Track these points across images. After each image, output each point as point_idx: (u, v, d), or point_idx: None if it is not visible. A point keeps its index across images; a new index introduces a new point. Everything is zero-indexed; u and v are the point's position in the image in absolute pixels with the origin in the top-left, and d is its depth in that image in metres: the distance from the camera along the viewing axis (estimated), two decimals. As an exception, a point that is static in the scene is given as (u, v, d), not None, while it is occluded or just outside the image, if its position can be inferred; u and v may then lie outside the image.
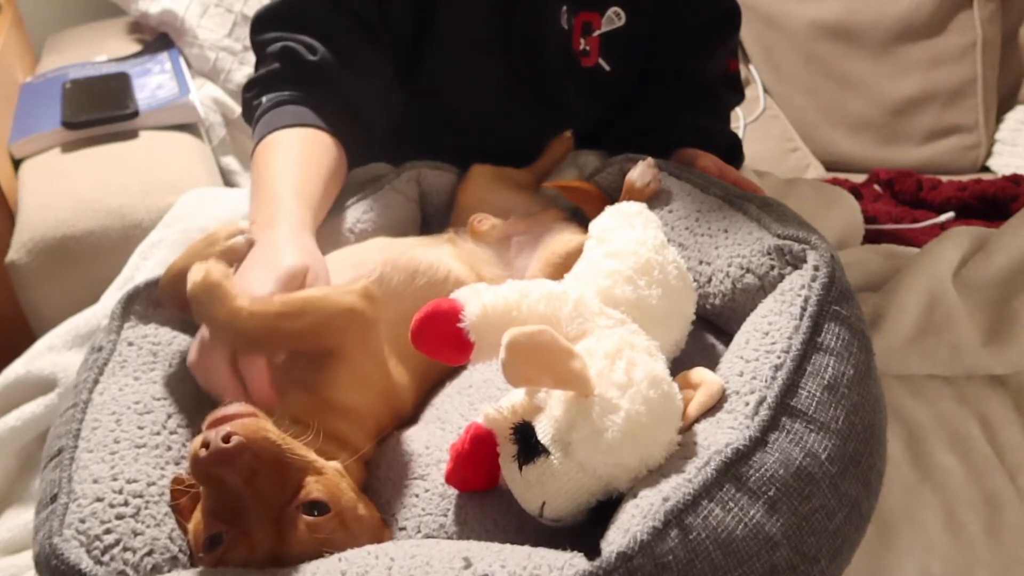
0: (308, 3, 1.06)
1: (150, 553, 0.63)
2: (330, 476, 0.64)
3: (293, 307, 0.72)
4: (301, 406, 0.72)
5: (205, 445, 0.58)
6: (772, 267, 0.78)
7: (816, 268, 0.74)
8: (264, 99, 1.02)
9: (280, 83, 1.03)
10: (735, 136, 1.26)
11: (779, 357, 0.67)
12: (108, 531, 0.63)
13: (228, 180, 1.63)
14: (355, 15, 1.05)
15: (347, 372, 0.74)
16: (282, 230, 0.84)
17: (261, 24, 1.08)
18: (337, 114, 1.01)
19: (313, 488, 0.61)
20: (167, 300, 0.81)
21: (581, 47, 1.13)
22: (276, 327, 0.71)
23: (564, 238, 0.93)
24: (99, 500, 0.65)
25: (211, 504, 0.61)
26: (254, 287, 0.75)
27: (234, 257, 0.79)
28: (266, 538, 0.60)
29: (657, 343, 0.71)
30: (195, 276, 0.71)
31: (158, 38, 1.81)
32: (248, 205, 0.93)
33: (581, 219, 0.99)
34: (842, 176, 1.77)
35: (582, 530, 0.64)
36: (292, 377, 0.73)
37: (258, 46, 1.08)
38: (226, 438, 0.58)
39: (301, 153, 0.96)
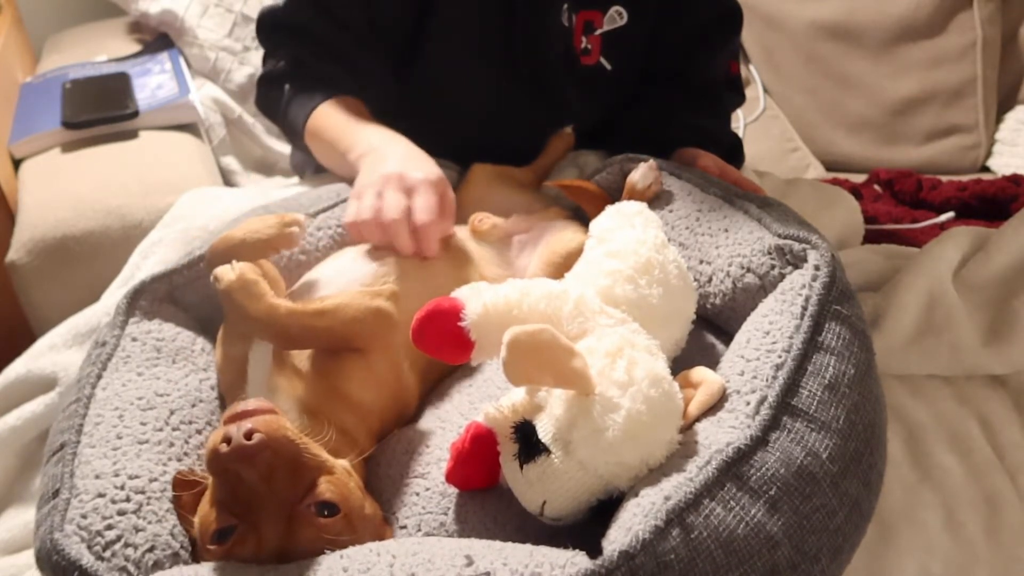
0: (306, 13, 1.10)
1: (152, 549, 0.63)
2: (340, 476, 0.64)
3: (327, 307, 0.74)
4: (313, 392, 0.73)
5: (226, 440, 0.58)
6: (773, 267, 0.78)
7: (817, 268, 0.74)
8: (287, 86, 1.10)
9: (294, 78, 1.10)
10: (736, 136, 1.26)
11: (780, 356, 0.67)
12: (110, 527, 0.63)
13: (228, 180, 1.63)
14: (347, 27, 1.09)
15: (363, 369, 0.76)
16: (404, 142, 0.96)
17: (266, 27, 1.14)
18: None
19: (326, 489, 0.62)
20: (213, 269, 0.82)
21: (582, 45, 1.14)
22: (309, 324, 0.73)
23: (565, 237, 0.94)
24: (101, 496, 0.65)
25: (222, 498, 0.61)
26: (415, 175, 0.88)
27: (289, 244, 0.81)
28: (275, 534, 0.60)
29: (658, 342, 0.71)
30: (227, 275, 0.73)
31: (158, 38, 1.80)
32: (340, 151, 1.02)
33: (582, 218, 0.99)
34: (842, 176, 1.77)
35: (583, 529, 0.64)
36: (309, 360, 0.75)
37: (265, 44, 1.16)
38: (248, 434, 0.58)
39: (355, 111, 1.06)
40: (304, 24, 1.10)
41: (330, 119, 1.05)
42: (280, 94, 1.10)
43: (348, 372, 0.75)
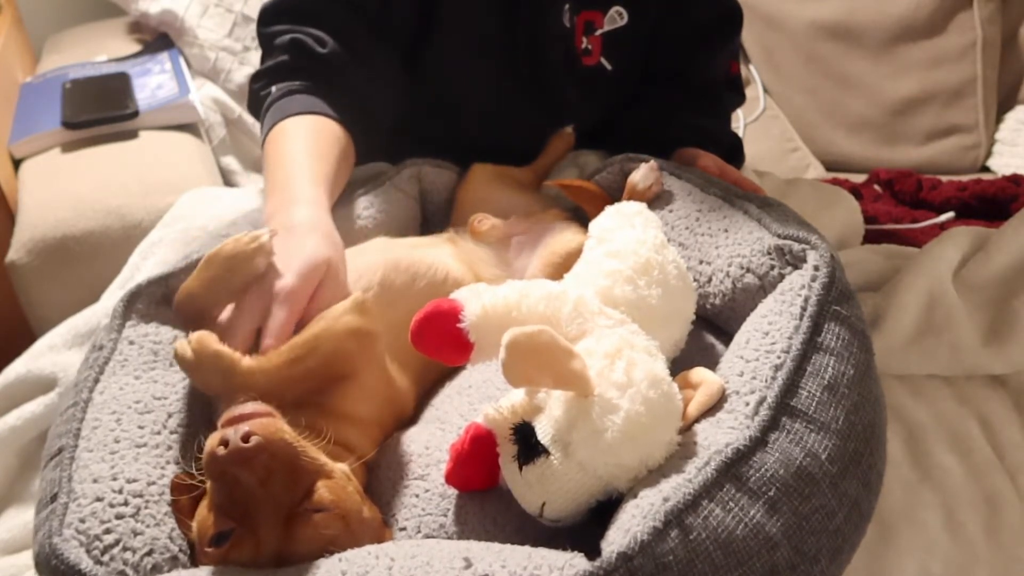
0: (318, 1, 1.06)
1: (150, 553, 0.63)
2: (339, 480, 0.64)
3: (300, 350, 0.72)
4: (308, 415, 0.71)
5: (223, 443, 0.58)
6: (772, 267, 0.78)
7: (816, 268, 0.74)
8: (273, 88, 1.04)
9: (289, 74, 1.04)
10: (736, 137, 1.26)
11: (779, 357, 0.67)
12: (108, 531, 0.63)
13: (228, 180, 1.63)
14: (360, 10, 1.06)
15: (355, 388, 0.74)
16: (300, 212, 0.85)
17: (268, 16, 1.09)
18: (346, 105, 1.03)
19: (323, 493, 0.62)
20: (182, 319, 0.81)
21: (583, 46, 1.14)
22: (289, 374, 0.71)
23: (564, 238, 0.93)
24: (99, 500, 0.65)
25: (220, 501, 0.61)
26: (277, 281, 0.77)
27: (256, 274, 0.78)
28: (273, 538, 0.60)
29: (657, 343, 0.71)
30: (184, 353, 0.71)
31: (158, 38, 1.80)
32: (263, 193, 0.95)
33: (582, 218, 0.99)
34: (842, 176, 1.77)
35: (582, 530, 0.64)
36: (302, 397, 0.72)
37: (265, 38, 1.09)
38: (245, 437, 0.58)
39: (313, 140, 0.97)
40: (314, 9, 1.06)
41: (281, 143, 0.97)
42: (268, 94, 1.04)
43: (340, 392, 0.74)
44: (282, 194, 0.89)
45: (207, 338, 0.71)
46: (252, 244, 0.77)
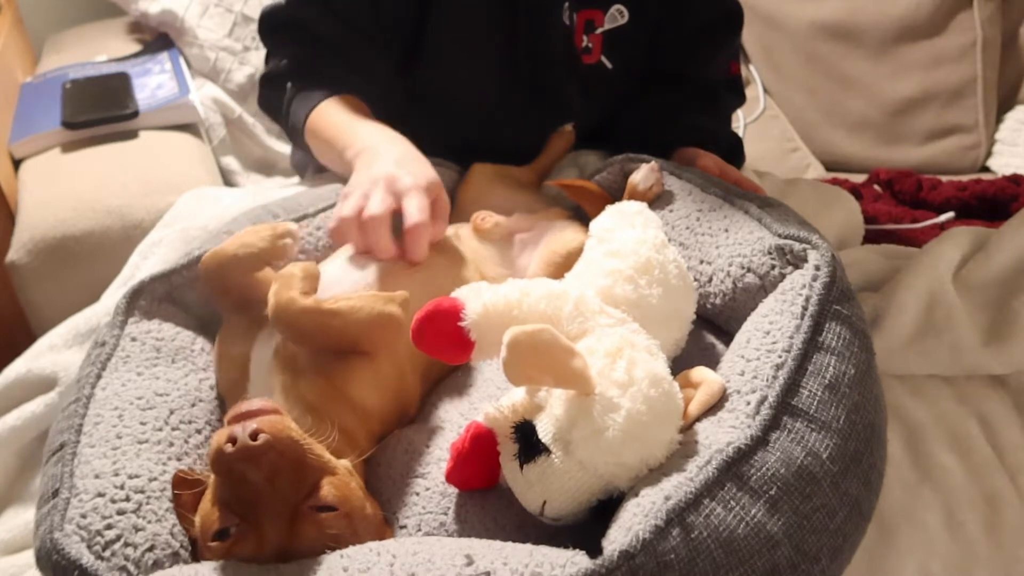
0: (309, 11, 1.09)
1: (151, 548, 0.63)
2: (343, 476, 0.65)
3: (340, 308, 0.74)
4: (315, 391, 0.73)
5: (231, 440, 0.58)
6: (773, 266, 0.78)
7: (817, 268, 0.74)
8: (289, 85, 1.10)
9: (298, 80, 1.10)
10: (736, 137, 1.26)
11: (780, 356, 0.67)
12: (109, 526, 0.63)
13: (228, 180, 1.63)
14: (351, 24, 1.09)
15: (369, 372, 0.76)
16: (402, 144, 0.95)
17: (268, 25, 1.13)
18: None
19: (329, 490, 0.62)
20: (206, 283, 0.84)
21: (583, 44, 1.14)
22: (321, 322, 0.74)
23: (565, 237, 0.93)
24: (100, 495, 0.65)
25: (226, 497, 0.61)
26: (408, 179, 0.86)
27: (282, 256, 0.82)
28: (277, 535, 0.60)
29: (658, 342, 0.71)
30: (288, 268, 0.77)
31: (158, 38, 1.80)
32: (338, 149, 1.01)
33: (583, 218, 0.99)
34: (842, 176, 1.77)
35: (583, 529, 0.64)
36: (313, 360, 0.75)
37: (269, 44, 1.15)
38: (253, 435, 0.58)
39: (360, 110, 1.05)
40: (307, 22, 1.09)
41: (330, 116, 1.04)
42: (282, 93, 1.09)
43: (353, 374, 0.75)
44: (363, 141, 0.96)
45: (309, 267, 0.77)
46: (282, 227, 0.83)
